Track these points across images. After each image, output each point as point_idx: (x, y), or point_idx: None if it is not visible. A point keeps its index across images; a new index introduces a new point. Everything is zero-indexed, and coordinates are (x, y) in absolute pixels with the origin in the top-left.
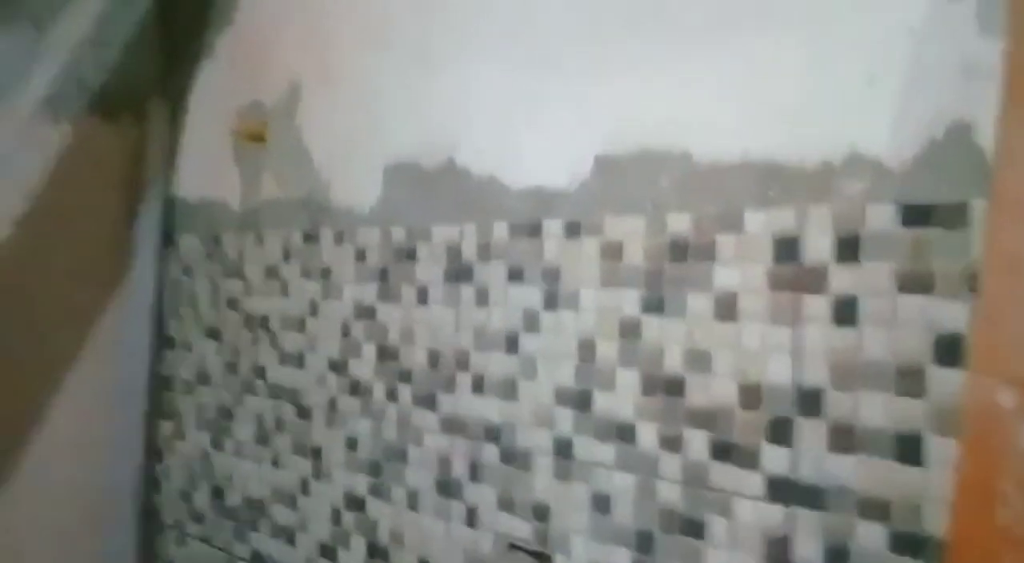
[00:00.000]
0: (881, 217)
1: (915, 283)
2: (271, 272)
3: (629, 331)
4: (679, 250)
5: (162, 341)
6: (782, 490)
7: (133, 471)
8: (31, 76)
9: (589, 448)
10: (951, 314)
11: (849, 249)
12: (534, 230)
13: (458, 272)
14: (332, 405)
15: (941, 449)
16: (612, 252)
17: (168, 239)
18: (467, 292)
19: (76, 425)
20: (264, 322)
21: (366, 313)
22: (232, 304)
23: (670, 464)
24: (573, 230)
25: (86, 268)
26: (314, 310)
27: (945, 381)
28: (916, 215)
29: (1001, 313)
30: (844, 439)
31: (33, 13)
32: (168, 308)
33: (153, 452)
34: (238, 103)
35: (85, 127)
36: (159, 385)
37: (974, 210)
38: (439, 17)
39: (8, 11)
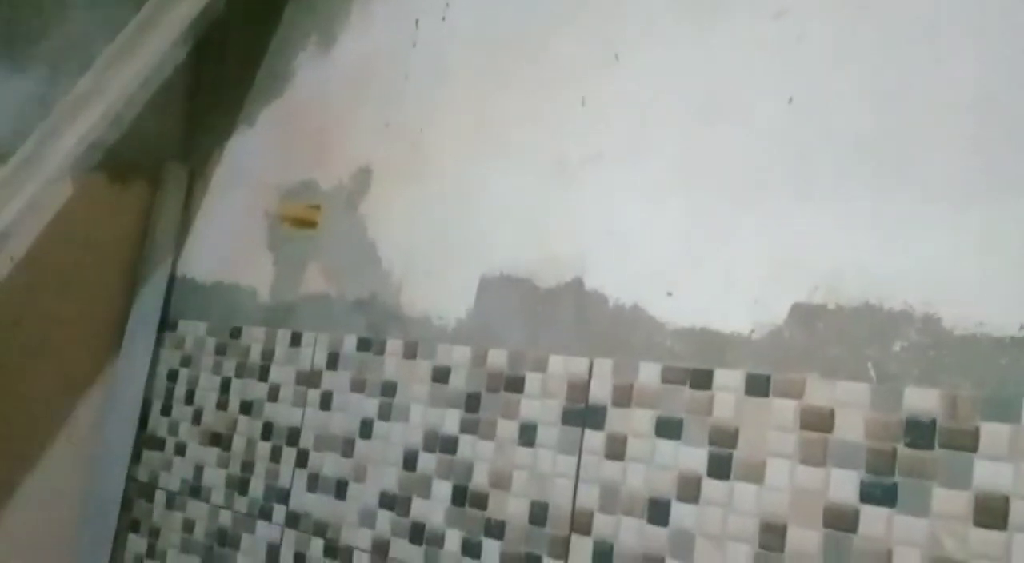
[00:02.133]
0: None
1: None
2: (309, 379)
3: (840, 522)
4: (922, 433)
5: (144, 441)
6: None
7: None
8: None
9: None
10: None
11: None
12: (700, 379)
13: (582, 414)
14: (381, 548)
15: None
16: (818, 421)
17: (168, 324)
18: (594, 439)
19: (32, 530)
20: (293, 437)
21: (442, 445)
22: (248, 409)
23: None
24: (758, 386)
25: (70, 346)
26: (367, 431)
27: None
28: None
29: None
30: None
31: (52, 56)
32: (156, 403)
33: None
34: (281, 181)
35: (88, 185)
36: (134, 492)
37: None
38: (580, 123)
39: (25, 52)
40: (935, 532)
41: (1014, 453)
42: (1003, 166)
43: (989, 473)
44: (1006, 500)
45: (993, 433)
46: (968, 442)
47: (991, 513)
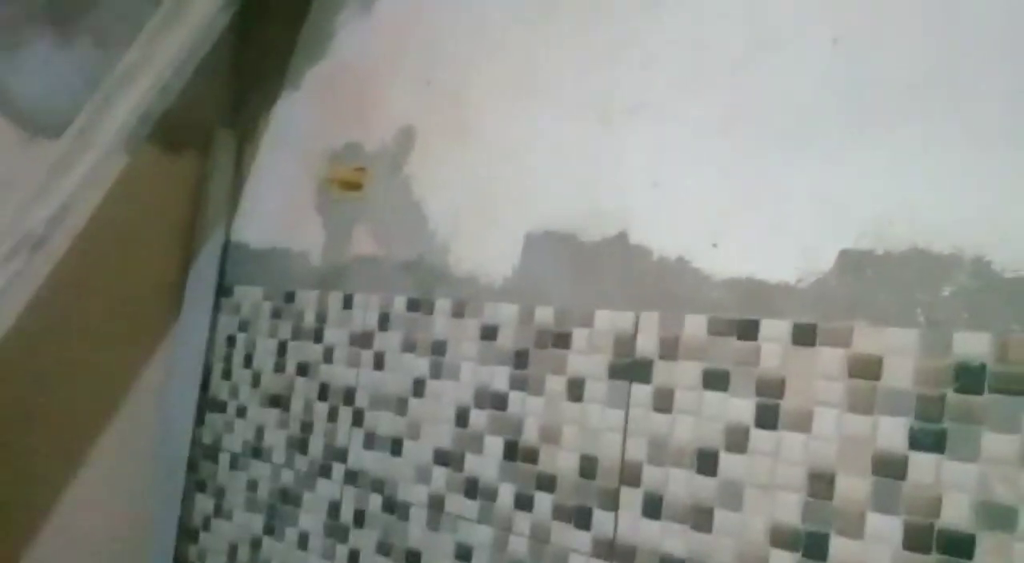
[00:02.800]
0: None
1: None
2: (362, 340)
3: (889, 468)
4: (971, 377)
5: (206, 404)
6: None
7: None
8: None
9: None
10: None
11: None
12: (746, 330)
13: (629, 368)
14: (436, 504)
15: None
16: (865, 369)
17: (224, 289)
18: (642, 392)
19: (106, 493)
20: (348, 397)
21: (492, 401)
22: (304, 371)
23: None
24: (805, 336)
25: (130, 314)
26: (419, 390)
27: None
28: None
29: None
30: None
31: (98, 29)
32: (217, 367)
33: (187, 532)
34: (327, 144)
35: (141, 156)
36: (199, 454)
37: None
38: (623, 70)
39: (70, 27)
40: (985, 477)
41: None
42: None
43: None
44: None
45: None
46: (1019, 386)
47: None
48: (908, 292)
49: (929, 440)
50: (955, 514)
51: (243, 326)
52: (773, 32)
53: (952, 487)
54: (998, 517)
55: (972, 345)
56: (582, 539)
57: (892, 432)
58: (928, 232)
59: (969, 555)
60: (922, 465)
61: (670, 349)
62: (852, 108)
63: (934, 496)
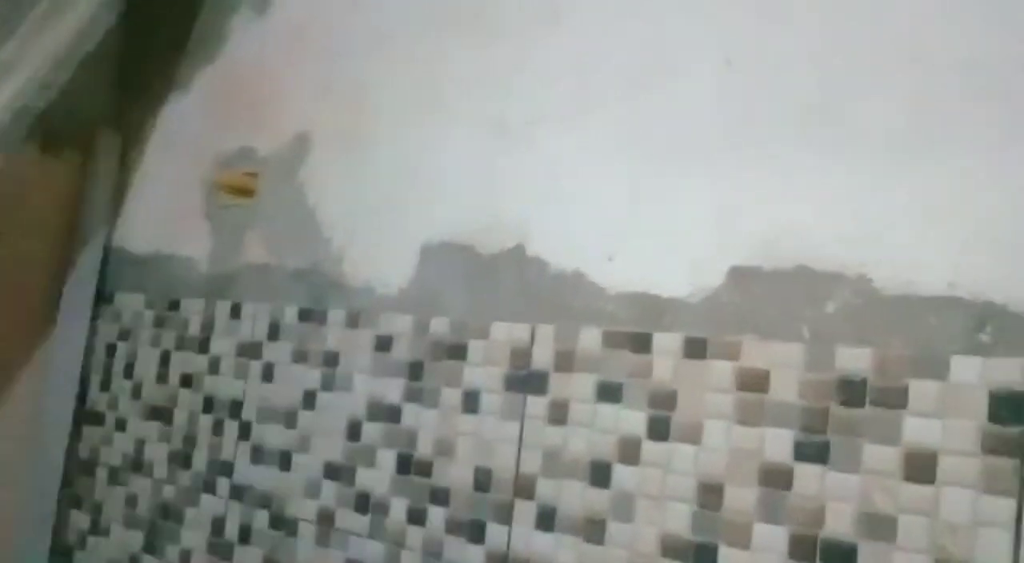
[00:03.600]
0: None
1: None
2: (250, 350)
3: (776, 479)
4: (853, 391)
5: (83, 416)
6: None
7: None
8: None
9: None
10: None
11: None
12: (639, 343)
13: (525, 380)
14: (326, 518)
15: None
16: (753, 382)
17: (104, 296)
18: (537, 404)
19: None
20: (234, 409)
21: (386, 414)
22: (188, 382)
23: None
24: (696, 349)
25: (3, 322)
26: (310, 402)
27: None
28: None
29: None
30: None
31: None
32: (95, 378)
33: (61, 550)
34: (218, 148)
35: (18, 157)
36: (75, 469)
37: None
38: (522, 81)
39: None
40: (866, 488)
41: (942, 409)
42: (936, 128)
43: (918, 429)
44: (934, 455)
45: (922, 390)
46: (898, 399)
47: (920, 468)
48: (794, 308)
49: (813, 452)
50: (838, 524)
51: (124, 335)
52: (669, 52)
53: (835, 498)
54: (878, 527)
55: (854, 360)
56: (475, 553)
57: (779, 444)
58: (814, 250)
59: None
60: (807, 476)
61: (565, 362)
62: (744, 129)
63: (818, 507)
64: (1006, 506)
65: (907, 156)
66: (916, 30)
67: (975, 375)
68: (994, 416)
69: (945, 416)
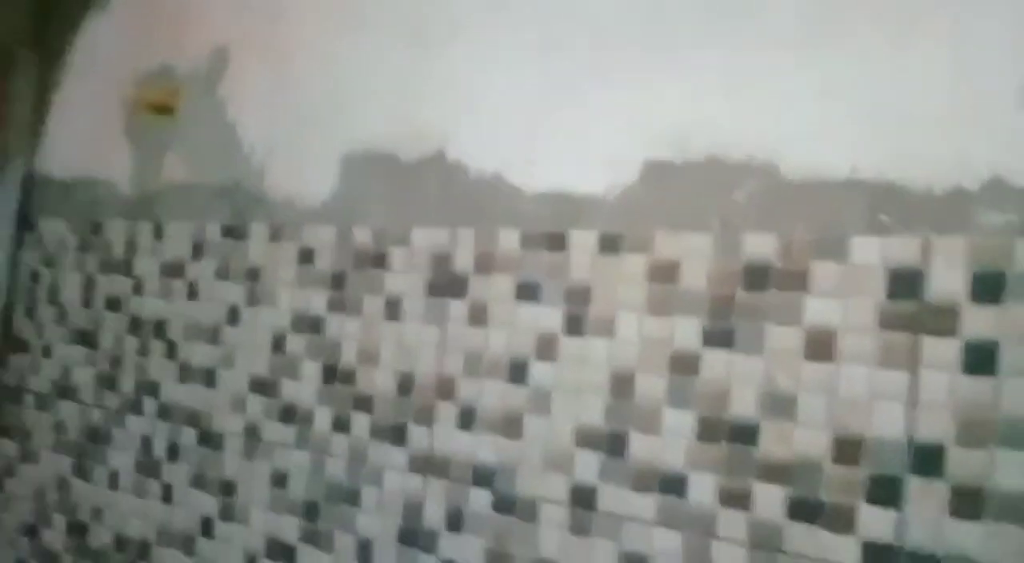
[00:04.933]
0: None
1: None
2: (173, 270)
3: (684, 366)
4: (758, 276)
5: (9, 344)
6: (884, 558)
7: None
8: None
9: (620, 499)
10: None
11: (988, 288)
12: (556, 242)
13: (446, 284)
14: (253, 432)
15: None
16: (665, 273)
17: (26, 223)
18: (458, 308)
19: None
20: (160, 329)
21: (309, 325)
22: (114, 305)
23: (733, 523)
24: (611, 245)
25: None
26: (234, 318)
27: None
28: None
29: None
30: (970, 503)
31: None
32: (20, 305)
33: None
34: (138, 67)
35: None
36: (2, 397)
37: None
38: None
39: None
40: (769, 369)
41: (842, 289)
42: (836, 15)
43: (819, 310)
44: (834, 334)
45: (823, 272)
46: (800, 282)
47: (820, 347)
48: (705, 199)
49: (720, 337)
50: (742, 406)
51: (48, 261)
52: None
53: (740, 381)
54: (779, 406)
55: (759, 246)
56: (398, 456)
57: (687, 332)
58: (723, 142)
59: (754, 442)
60: (714, 361)
61: (485, 264)
62: (654, 30)
63: (724, 390)
64: (900, 379)
65: (809, 45)
66: None
67: (874, 255)
68: (892, 293)
69: (845, 296)
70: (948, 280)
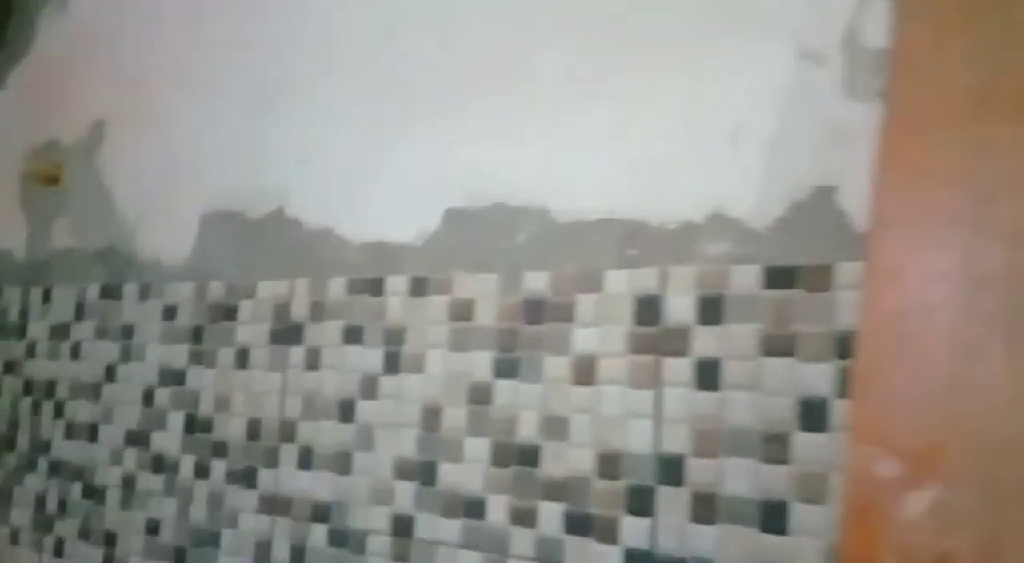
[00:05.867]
0: (745, 279)
1: (780, 346)
2: (59, 332)
3: (480, 397)
4: (535, 310)
5: None
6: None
7: None
8: None
9: (433, 525)
10: (816, 378)
11: (712, 311)
12: (375, 287)
13: (286, 332)
14: (129, 483)
15: (807, 517)
16: (462, 311)
17: None
18: (296, 354)
19: None
20: (49, 389)
21: (174, 378)
22: (10, 368)
23: (522, 540)
24: (419, 287)
25: None
26: (111, 375)
27: (811, 447)
28: (780, 278)
29: (879, 380)
30: (706, 508)
31: None
32: None
33: None
34: (30, 141)
35: None
36: None
37: (839, 273)
38: (274, 58)
39: None
40: (546, 395)
41: (600, 318)
42: (595, 75)
43: (583, 338)
44: (594, 359)
45: (585, 303)
46: (567, 313)
47: (584, 372)
48: (493, 242)
49: (507, 368)
50: (527, 430)
51: None
52: (399, 21)
53: (525, 407)
54: (555, 428)
55: (536, 282)
56: (250, 498)
57: (481, 364)
58: (507, 189)
59: (536, 464)
60: (503, 390)
61: (318, 311)
62: (451, 85)
63: (512, 416)
64: (648, 398)
65: (573, 99)
66: None
67: (623, 286)
68: (638, 320)
69: (602, 324)
70: (680, 305)
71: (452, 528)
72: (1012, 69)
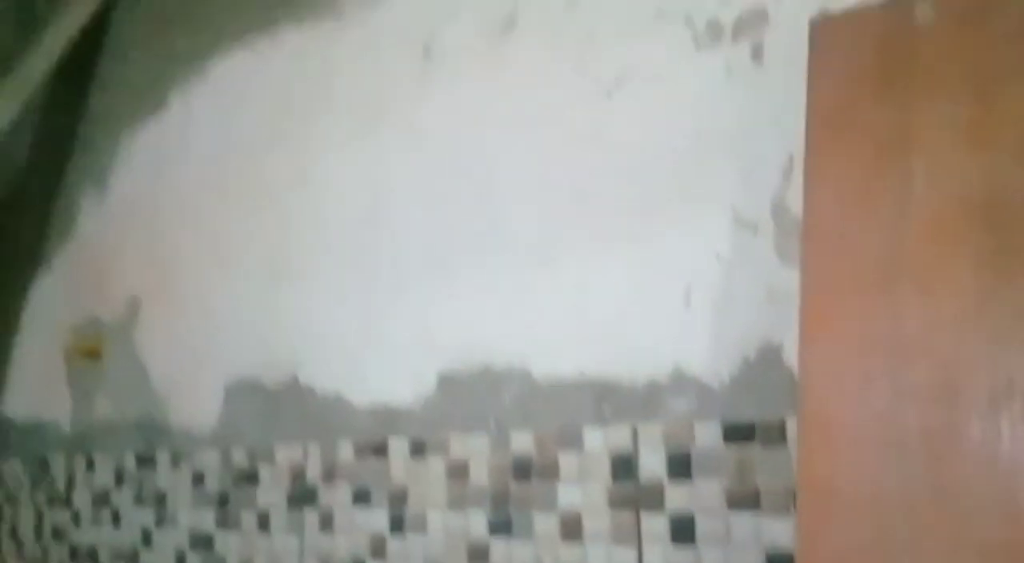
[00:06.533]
0: (707, 435)
1: (743, 500)
2: (102, 499)
3: (477, 554)
4: (523, 469)
5: None
6: None
7: None
8: None
9: None
10: (779, 531)
11: (681, 466)
12: (380, 449)
13: (302, 496)
14: None
15: None
16: (458, 471)
17: None
18: (311, 517)
19: None
20: (92, 555)
21: (203, 542)
22: (58, 535)
23: None
24: (419, 449)
25: None
26: (147, 540)
27: None
28: (739, 433)
29: (816, 536)
30: None
31: None
32: None
33: None
34: (74, 319)
35: None
36: None
37: (791, 428)
38: (284, 237)
39: None
40: (538, 552)
41: (581, 475)
42: (559, 243)
43: (567, 494)
44: (579, 516)
45: (567, 460)
46: (552, 471)
47: (571, 528)
48: (483, 403)
49: (501, 526)
50: None
51: (10, 499)
52: (385, 200)
53: None
54: None
55: (522, 442)
56: None
57: (478, 523)
58: (492, 353)
59: None
60: (498, 548)
61: (329, 474)
62: (438, 256)
63: None
64: (630, 555)
65: (542, 266)
66: (542, 167)
67: (600, 443)
68: (615, 476)
69: (583, 481)
70: (653, 462)
71: None
72: (912, 240)
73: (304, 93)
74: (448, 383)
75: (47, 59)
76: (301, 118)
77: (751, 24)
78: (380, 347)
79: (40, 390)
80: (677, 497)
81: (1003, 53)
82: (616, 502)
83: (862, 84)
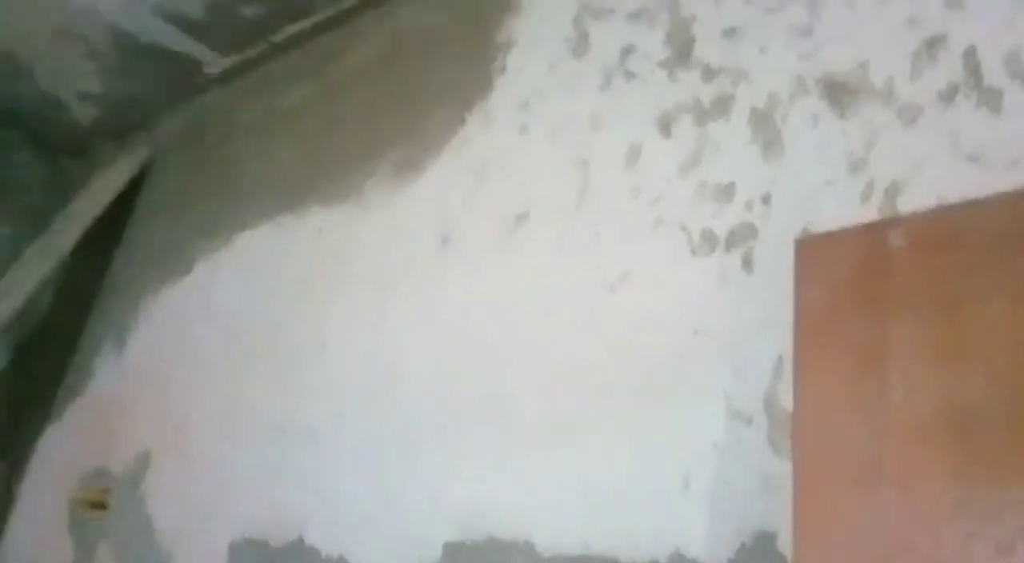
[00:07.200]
0: None
1: None
2: None
3: None
4: None
5: None
6: None
7: None
8: None
9: None
10: None
11: None
12: None
13: None
14: None
15: None
16: None
17: None
18: None
19: None
20: None
21: None
22: None
23: None
24: None
25: None
26: None
27: None
28: None
29: None
30: None
31: None
32: None
33: None
34: (82, 469)
35: None
36: None
37: None
38: (298, 402)
39: None
40: None
41: None
42: (564, 423)
43: None
44: None
45: None
46: None
47: None
48: None
49: None
50: None
51: None
52: (398, 374)
53: None
54: None
55: None
56: None
57: None
58: (497, 524)
59: None
60: None
61: None
62: (444, 426)
63: None
64: None
65: (546, 443)
66: (548, 351)
67: None
68: None
69: None
70: None
71: None
72: (892, 443)
73: (325, 268)
74: (454, 552)
75: (80, 224)
76: (321, 291)
77: (742, 236)
78: (387, 514)
79: (42, 539)
80: None
81: (969, 278)
82: None
83: (843, 298)
